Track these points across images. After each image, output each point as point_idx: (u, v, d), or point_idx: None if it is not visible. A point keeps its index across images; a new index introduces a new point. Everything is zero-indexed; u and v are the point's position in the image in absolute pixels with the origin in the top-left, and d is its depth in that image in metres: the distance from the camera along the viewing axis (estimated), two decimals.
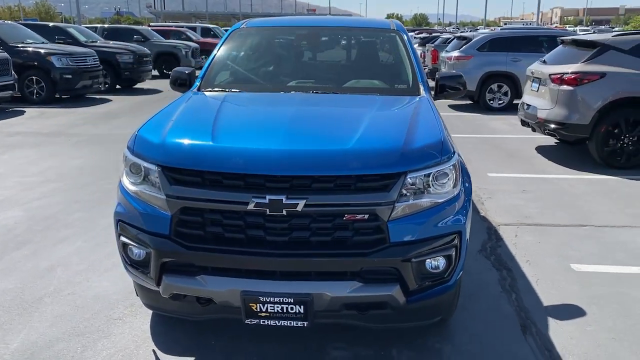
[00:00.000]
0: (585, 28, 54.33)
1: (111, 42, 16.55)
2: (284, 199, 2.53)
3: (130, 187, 2.85)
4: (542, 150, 8.36)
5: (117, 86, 15.74)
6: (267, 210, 2.55)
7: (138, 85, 16.74)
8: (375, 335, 3.23)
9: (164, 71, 20.57)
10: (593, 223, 5.17)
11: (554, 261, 4.32)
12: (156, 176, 2.72)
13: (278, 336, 3.23)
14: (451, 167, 2.78)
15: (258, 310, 2.64)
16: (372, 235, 2.63)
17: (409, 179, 2.63)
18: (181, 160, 2.68)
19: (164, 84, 17.53)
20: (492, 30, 19.48)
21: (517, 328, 3.38)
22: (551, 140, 8.64)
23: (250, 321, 2.68)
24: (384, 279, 2.66)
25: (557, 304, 3.65)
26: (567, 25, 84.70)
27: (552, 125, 7.35)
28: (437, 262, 2.75)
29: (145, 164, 2.77)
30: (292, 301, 2.60)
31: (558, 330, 3.34)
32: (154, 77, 18.05)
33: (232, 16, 71.35)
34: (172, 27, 29.68)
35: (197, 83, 3.97)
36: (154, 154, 2.75)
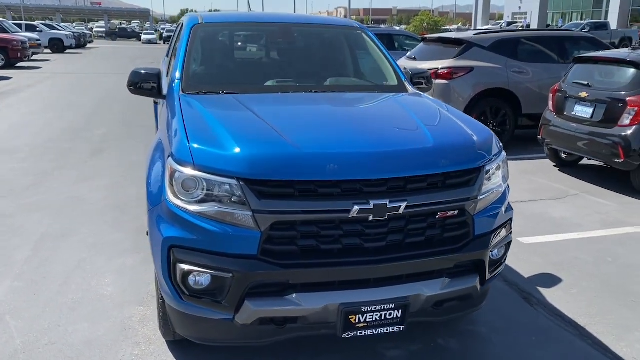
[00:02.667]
0: (373, 26, 60.10)
1: None
2: (387, 203, 2.44)
3: (191, 207, 2.43)
4: None
5: None
6: (371, 215, 2.44)
7: None
8: (415, 330, 3.28)
9: None
10: None
11: None
12: (232, 191, 2.39)
13: (327, 346, 3.09)
14: (503, 160, 2.95)
15: (357, 321, 2.51)
16: (459, 231, 2.67)
17: (484, 173, 2.73)
18: (270, 172, 2.38)
19: None
20: None
21: (520, 300, 3.72)
22: None
23: (348, 334, 2.53)
24: (465, 272, 2.73)
25: (535, 275, 4.10)
26: None
27: None
28: (497, 250, 2.90)
29: (216, 178, 2.40)
30: (392, 307, 2.53)
31: (552, 297, 3.76)
32: None
33: (6, 8, 62.62)
34: None
35: (177, 86, 3.49)
36: (231, 166, 2.39)
